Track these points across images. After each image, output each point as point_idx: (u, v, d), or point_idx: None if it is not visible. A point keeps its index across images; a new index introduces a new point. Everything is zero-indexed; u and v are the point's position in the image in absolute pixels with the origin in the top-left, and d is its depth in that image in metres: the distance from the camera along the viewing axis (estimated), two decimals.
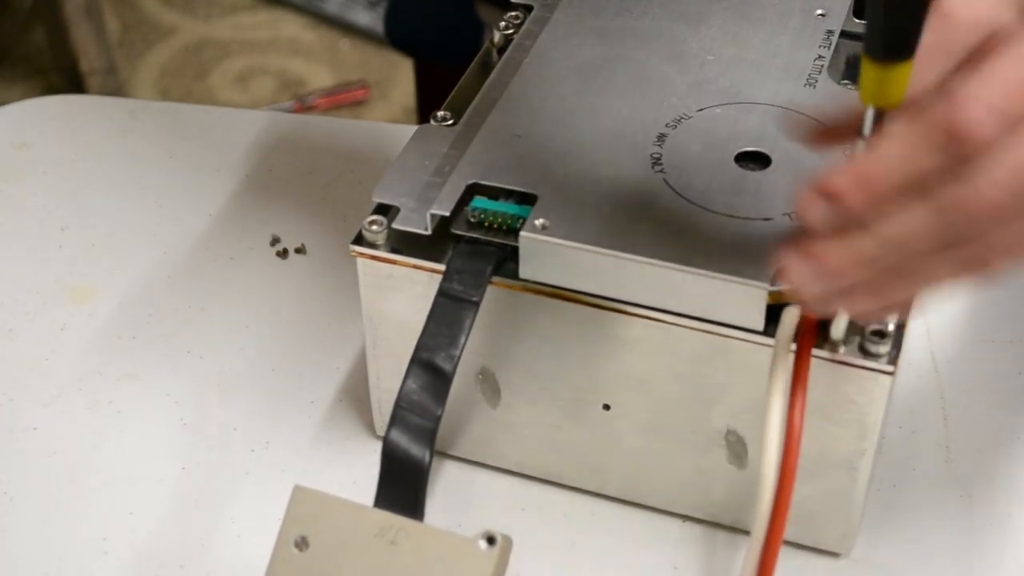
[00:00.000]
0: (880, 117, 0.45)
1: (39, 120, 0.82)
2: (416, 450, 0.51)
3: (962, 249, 0.43)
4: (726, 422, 0.55)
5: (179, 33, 2.05)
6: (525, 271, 0.54)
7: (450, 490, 0.61)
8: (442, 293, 0.54)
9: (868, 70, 0.44)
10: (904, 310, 0.49)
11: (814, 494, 0.55)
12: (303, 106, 1.90)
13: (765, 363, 0.50)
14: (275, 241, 0.73)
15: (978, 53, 0.43)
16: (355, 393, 0.65)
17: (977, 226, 0.43)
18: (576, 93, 0.60)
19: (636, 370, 0.55)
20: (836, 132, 0.49)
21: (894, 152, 0.43)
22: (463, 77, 0.63)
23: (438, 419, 0.52)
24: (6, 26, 2.00)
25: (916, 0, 0.43)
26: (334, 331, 0.68)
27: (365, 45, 2.02)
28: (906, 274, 0.44)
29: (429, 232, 0.55)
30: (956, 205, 0.42)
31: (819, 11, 0.64)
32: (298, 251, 0.72)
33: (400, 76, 1.94)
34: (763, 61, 0.62)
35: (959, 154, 0.42)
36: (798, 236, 0.45)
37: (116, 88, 1.85)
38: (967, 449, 0.62)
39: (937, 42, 0.44)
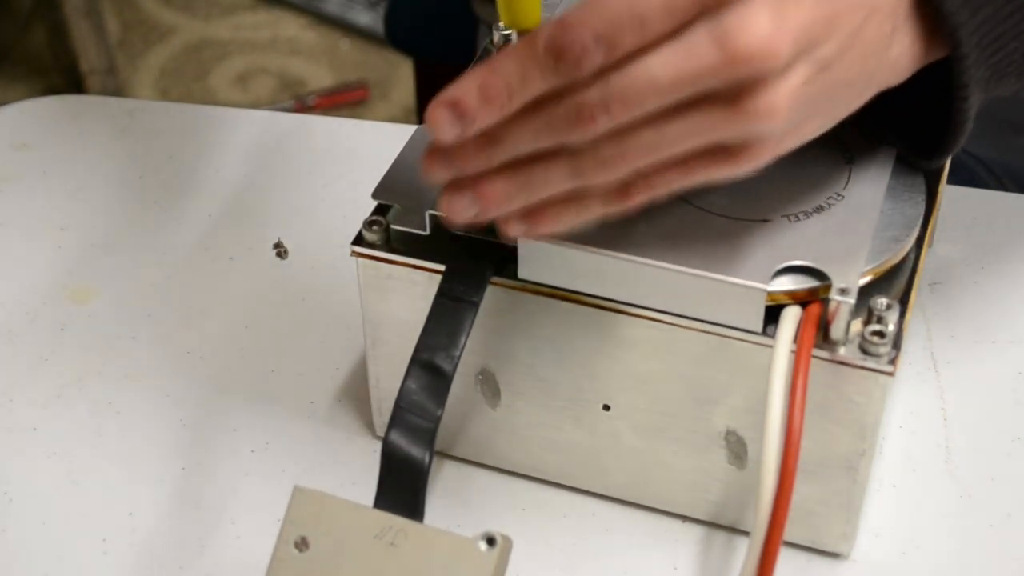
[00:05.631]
0: None
1: (39, 120, 0.82)
2: (416, 451, 0.51)
3: (573, 162, 0.47)
4: (726, 422, 0.55)
5: (179, 33, 2.05)
6: (524, 271, 0.54)
7: (450, 490, 0.61)
8: (442, 293, 0.54)
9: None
10: (541, 227, 0.50)
11: (814, 494, 0.55)
12: (303, 106, 1.90)
13: (765, 363, 0.50)
14: (275, 242, 0.73)
15: None
16: (355, 393, 0.65)
17: (579, 139, 0.46)
18: None
19: (636, 370, 0.55)
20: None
21: (508, 64, 0.46)
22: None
23: (438, 419, 0.52)
24: (6, 26, 2.00)
25: None
26: (334, 331, 0.68)
27: (365, 45, 2.02)
28: (526, 181, 0.48)
29: (428, 232, 0.55)
30: (560, 117, 0.45)
31: None
32: (297, 251, 0.72)
33: (400, 76, 1.94)
34: None
35: (563, 72, 0.44)
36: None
37: (116, 88, 1.85)
38: (967, 449, 0.62)
39: None
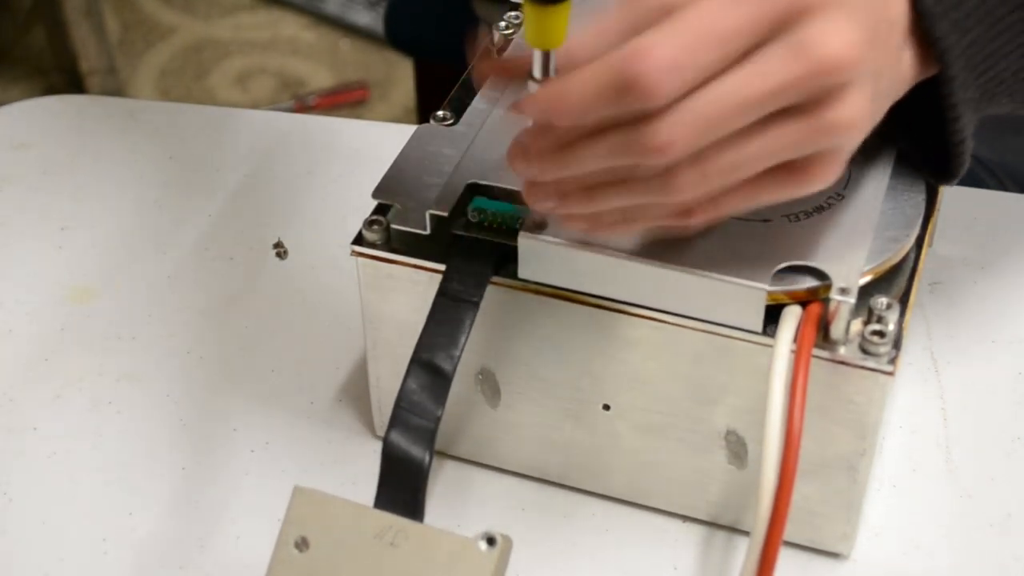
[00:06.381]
0: (547, 58, 0.47)
1: (39, 120, 0.82)
2: (416, 450, 0.51)
3: (651, 182, 0.46)
4: (726, 422, 0.55)
5: (179, 33, 2.05)
6: (524, 271, 0.54)
7: (450, 490, 0.61)
8: (442, 293, 0.54)
9: (529, 13, 0.46)
10: (600, 233, 0.50)
11: (814, 494, 0.55)
12: (303, 106, 1.90)
13: (765, 363, 0.50)
14: (276, 242, 0.73)
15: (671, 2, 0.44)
16: (355, 393, 0.65)
17: (649, 164, 0.45)
18: None
19: (636, 370, 0.55)
20: (510, 68, 0.50)
21: (579, 92, 0.45)
22: (463, 77, 0.63)
23: (438, 419, 0.52)
24: (6, 26, 2.00)
25: None
26: (334, 331, 0.68)
27: (365, 45, 2.02)
28: (602, 195, 0.48)
29: (428, 232, 0.55)
30: (636, 142, 0.45)
31: None
32: (297, 251, 0.72)
33: (400, 76, 1.94)
34: None
35: (636, 101, 0.44)
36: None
37: (116, 88, 1.85)
38: (967, 449, 0.62)
39: None
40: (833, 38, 0.43)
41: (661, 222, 0.49)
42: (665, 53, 0.43)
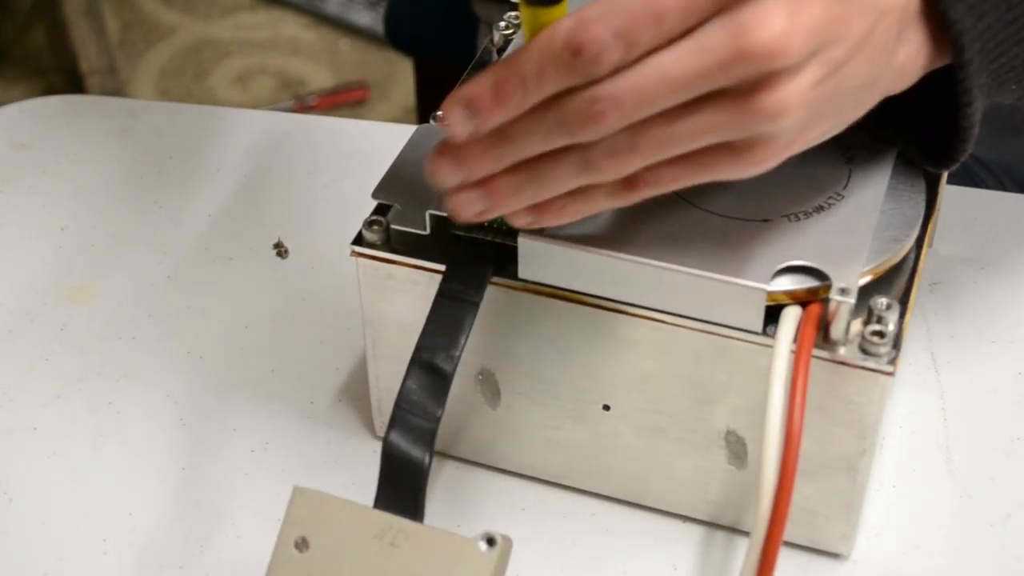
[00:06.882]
0: None
1: (39, 120, 0.82)
2: (416, 451, 0.51)
3: (584, 157, 0.47)
4: (726, 422, 0.55)
5: (179, 33, 2.05)
6: (524, 272, 0.54)
7: (450, 490, 0.61)
8: (442, 293, 0.54)
9: (525, 14, 0.47)
10: (546, 220, 0.50)
11: (814, 494, 0.55)
12: (303, 106, 1.90)
13: (765, 363, 0.50)
14: (276, 242, 0.73)
15: None
16: (355, 393, 0.65)
17: (591, 136, 0.46)
18: None
19: (636, 370, 0.55)
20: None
21: (525, 61, 0.45)
22: (463, 77, 0.63)
23: (438, 420, 0.52)
24: (6, 26, 2.00)
25: None
26: (334, 331, 0.68)
27: (365, 45, 2.02)
28: (536, 177, 0.48)
29: (428, 232, 0.55)
30: (573, 113, 0.45)
31: None
32: (297, 251, 0.72)
33: (400, 76, 1.95)
34: None
35: (580, 69, 0.44)
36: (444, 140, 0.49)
37: (116, 88, 1.85)
38: (967, 449, 0.62)
39: None
40: (769, 24, 0.43)
41: (603, 200, 0.49)
42: (609, 23, 0.44)
